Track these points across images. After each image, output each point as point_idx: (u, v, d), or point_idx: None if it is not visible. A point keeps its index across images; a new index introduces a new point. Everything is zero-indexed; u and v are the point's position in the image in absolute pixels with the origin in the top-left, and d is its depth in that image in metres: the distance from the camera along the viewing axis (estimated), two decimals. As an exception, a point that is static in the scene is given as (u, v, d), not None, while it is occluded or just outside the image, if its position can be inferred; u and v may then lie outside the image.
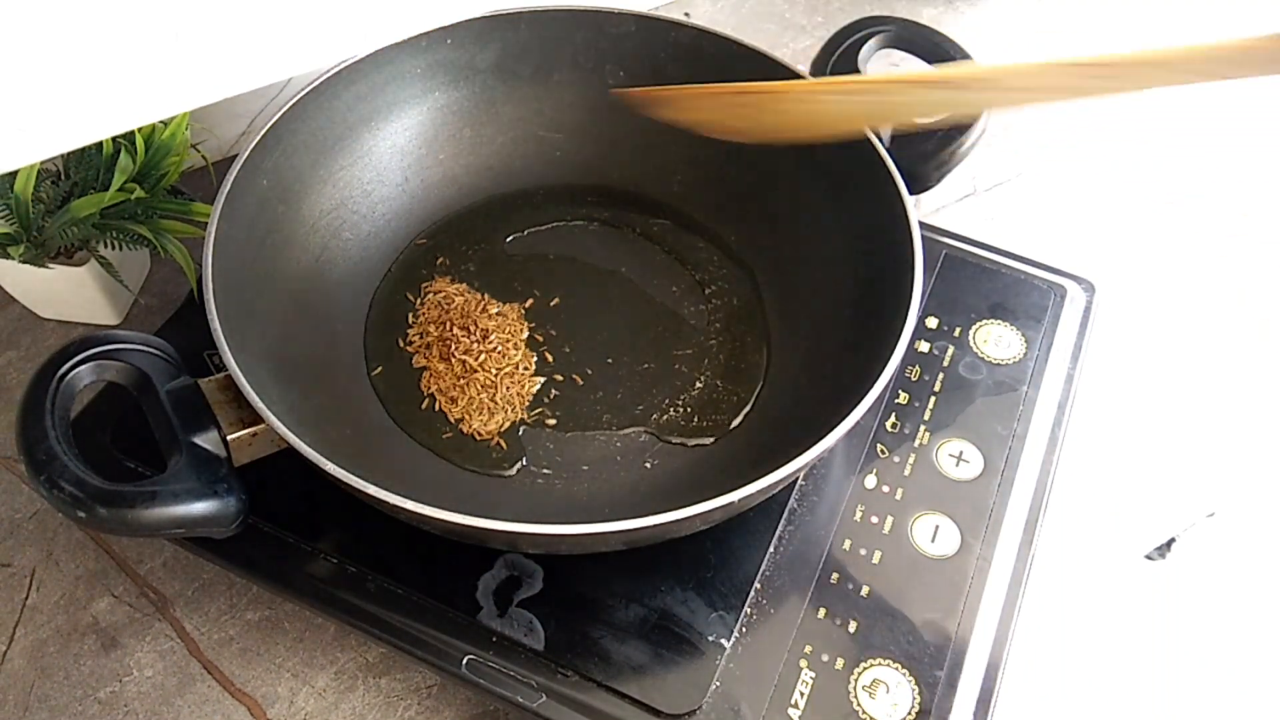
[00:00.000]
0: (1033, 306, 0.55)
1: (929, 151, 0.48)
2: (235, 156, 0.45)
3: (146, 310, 0.60)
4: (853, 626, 0.42)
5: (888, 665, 0.41)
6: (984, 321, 0.54)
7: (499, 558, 0.44)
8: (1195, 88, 0.32)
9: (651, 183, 0.58)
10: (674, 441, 0.48)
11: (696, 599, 0.43)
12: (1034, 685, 0.46)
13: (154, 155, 0.52)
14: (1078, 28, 0.80)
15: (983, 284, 0.56)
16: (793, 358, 0.51)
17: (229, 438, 0.39)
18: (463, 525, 0.35)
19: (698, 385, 0.51)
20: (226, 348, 0.39)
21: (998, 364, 0.52)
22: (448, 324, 0.52)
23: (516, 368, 0.51)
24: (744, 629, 0.42)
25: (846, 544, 0.45)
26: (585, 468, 0.48)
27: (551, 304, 0.54)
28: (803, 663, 0.41)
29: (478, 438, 0.48)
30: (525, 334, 0.52)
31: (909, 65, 0.52)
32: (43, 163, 0.51)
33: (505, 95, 0.57)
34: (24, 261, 0.52)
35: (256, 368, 0.40)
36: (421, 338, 0.52)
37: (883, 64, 0.52)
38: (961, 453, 0.49)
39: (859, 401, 0.38)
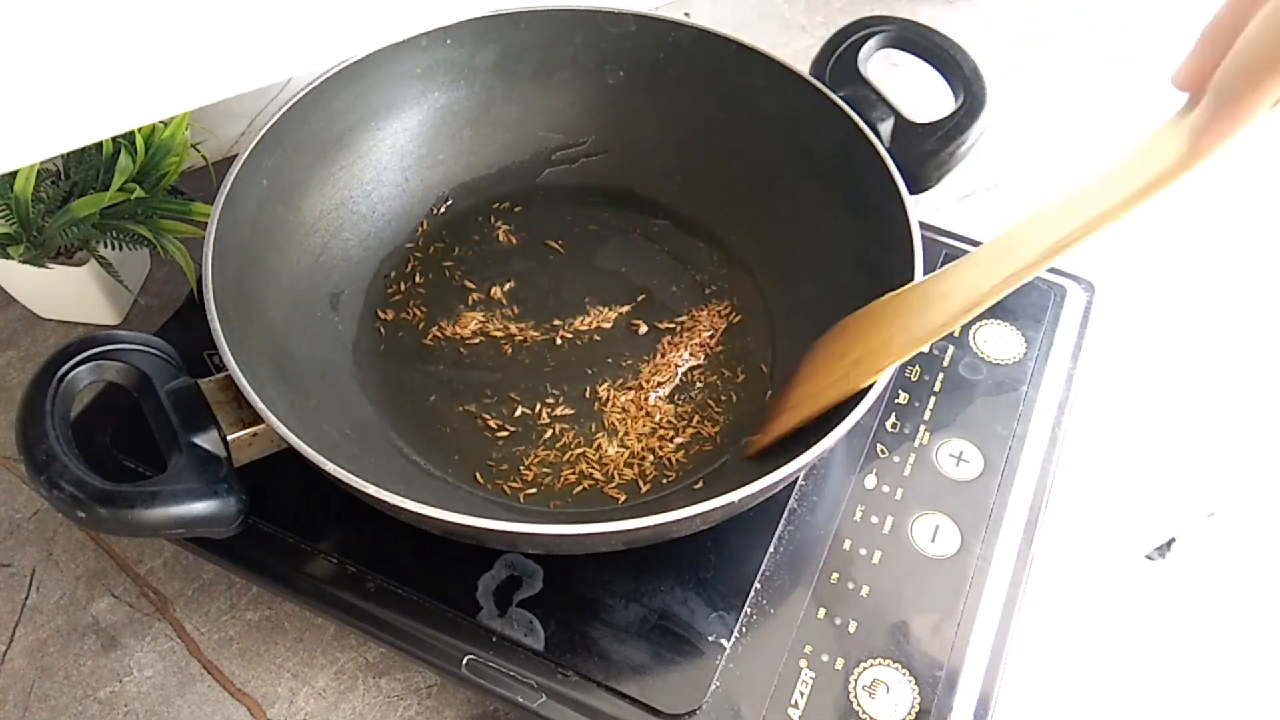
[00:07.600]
0: (1033, 306, 0.55)
1: (929, 151, 0.48)
2: (235, 156, 0.45)
3: (146, 310, 0.60)
4: (853, 626, 0.42)
5: (888, 665, 0.41)
6: (984, 321, 0.54)
7: (499, 558, 0.44)
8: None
9: (651, 183, 0.58)
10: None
11: (696, 599, 0.43)
12: (1034, 685, 0.46)
13: (154, 155, 0.52)
14: (1076, 28, 0.80)
15: (983, 284, 0.56)
16: (793, 357, 0.51)
17: (229, 438, 0.39)
18: (463, 525, 0.35)
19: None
20: (226, 348, 0.39)
21: (998, 364, 0.52)
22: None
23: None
24: (744, 629, 0.42)
25: (846, 544, 0.45)
26: (585, 468, 0.48)
27: (551, 304, 0.54)
28: (803, 663, 0.41)
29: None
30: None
31: (909, 65, 0.52)
32: (43, 163, 0.51)
33: (505, 95, 0.57)
34: (24, 261, 0.52)
35: (256, 368, 0.40)
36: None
37: (883, 64, 0.52)
38: (961, 453, 0.49)
39: (859, 402, 0.38)
